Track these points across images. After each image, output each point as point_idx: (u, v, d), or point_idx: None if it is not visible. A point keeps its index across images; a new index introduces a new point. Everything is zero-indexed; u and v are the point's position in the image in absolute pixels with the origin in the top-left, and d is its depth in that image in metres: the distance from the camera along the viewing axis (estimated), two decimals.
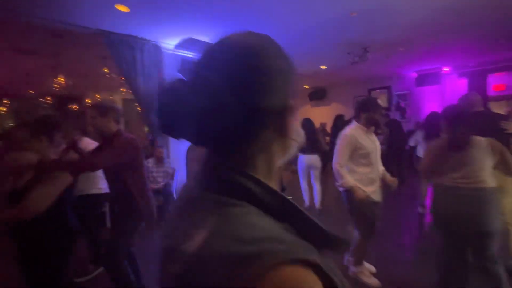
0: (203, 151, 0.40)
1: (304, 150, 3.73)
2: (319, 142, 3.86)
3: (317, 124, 5.09)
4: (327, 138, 6.50)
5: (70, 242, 1.58)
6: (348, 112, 8.06)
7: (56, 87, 4.81)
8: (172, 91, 0.35)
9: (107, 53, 3.60)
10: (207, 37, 3.90)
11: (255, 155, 0.37)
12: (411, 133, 5.31)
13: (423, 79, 7.00)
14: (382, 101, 8.40)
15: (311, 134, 3.73)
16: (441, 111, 1.79)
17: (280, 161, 0.40)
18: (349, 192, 1.94)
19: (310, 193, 4.01)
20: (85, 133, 2.86)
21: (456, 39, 4.55)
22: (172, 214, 0.42)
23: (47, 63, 4.61)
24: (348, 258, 2.28)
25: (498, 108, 7.23)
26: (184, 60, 4.21)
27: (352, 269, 2.21)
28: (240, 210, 0.32)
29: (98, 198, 2.49)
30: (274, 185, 0.39)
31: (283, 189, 1.92)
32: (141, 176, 1.82)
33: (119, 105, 4.80)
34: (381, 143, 5.31)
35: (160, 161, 3.74)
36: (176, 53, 4.27)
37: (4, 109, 6.99)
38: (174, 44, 4.13)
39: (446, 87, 7.20)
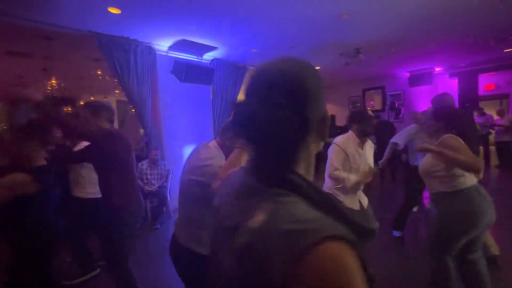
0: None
1: None
2: None
3: None
4: None
5: (52, 245, 1.56)
6: (343, 113, 8.14)
7: (49, 90, 4.77)
8: (246, 104, 0.44)
9: (100, 55, 3.59)
10: (199, 38, 3.91)
11: (300, 155, 0.46)
12: None
13: (415, 79, 7.10)
14: (376, 101, 8.49)
15: None
16: (440, 110, 1.74)
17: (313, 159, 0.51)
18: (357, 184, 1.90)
19: None
20: None
21: (447, 40, 4.63)
22: (225, 199, 0.52)
23: (39, 65, 4.58)
24: None
25: (489, 107, 7.38)
26: (177, 61, 4.21)
27: None
28: (291, 199, 0.41)
29: (85, 202, 2.36)
30: (311, 179, 0.49)
31: None
32: (129, 178, 1.77)
33: (113, 106, 4.77)
34: (374, 143, 5.33)
35: (154, 163, 3.73)
36: (169, 54, 4.27)
37: None
38: (167, 45, 4.13)
39: (438, 87, 7.30)
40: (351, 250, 0.35)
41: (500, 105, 7.02)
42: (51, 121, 1.52)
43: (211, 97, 4.97)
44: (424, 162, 1.76)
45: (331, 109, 8.94)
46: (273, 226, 0.37)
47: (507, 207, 3.80)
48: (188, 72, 4.12)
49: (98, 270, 2.51)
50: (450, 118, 1.65)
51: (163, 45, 4.11)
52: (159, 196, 3.70)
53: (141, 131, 5.98)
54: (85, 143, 2.06)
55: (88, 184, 2.34)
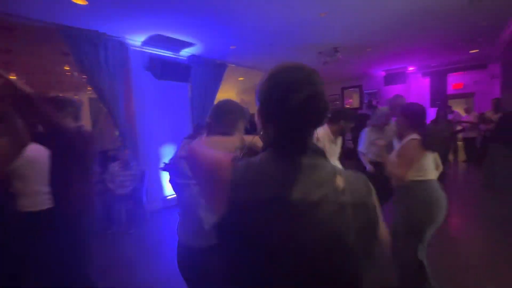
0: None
1: None
2: None
3: None
4: None
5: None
6: None
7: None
8: (305, 102, 0.57)
9: (68, 49, 3.35)
10: (175, 34, 3.77)
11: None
12: None
13: (390, 78, 7.35)
14: (354, 100, 8.72)
15: None
16: (407, 109, 1.79)
17: None
18: None
19: None
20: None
21: (420, 40, 4.81)
22: (277, 184, 0.56)
23: None
24: None
25: (457, 105, 7.81)
26: (152, 58, 4.04)
27: None
28: (331, 163, 0.63)
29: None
30: None
31: None
32: (86, 179, 1.65)
33: (84, 104, 4.50)
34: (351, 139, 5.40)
35: (126, 163, 3.55)
36: (144, 50, 4.09)
37: None
38: (141, 40, 3.95)
39: (411, 86, 7.62)
40: None
41: (467, 103, 7.46)
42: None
43: (189, 95, 4.84)
44: (392, 156, 1.83)
45: None
46: (355, 186, 0.60)
47: (470, 197, 4.04)
48: (163, 69, 3.97)
49: None
50: (414, 116, 1.72)
51: (137, 40, 3.92)
52: (133, 199, 3.54)
53: (117, 132, 5.71)
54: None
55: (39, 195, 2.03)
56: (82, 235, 1.62)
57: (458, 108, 7.06)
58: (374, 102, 8.17)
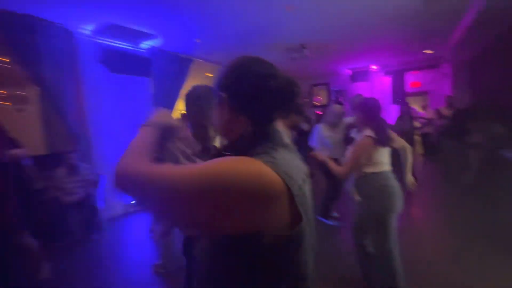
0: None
1: None
2: None
3: None
4: None
5: None
6: None
7: None
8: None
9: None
10: (133, 24, 3.45)
11: None
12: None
13: (356, 76, 7.62)
14: (322, 97, 8.92)
15: None
16: (362, 104, 1.85)
17: None
18: None
19: None
20: None
21: (380, 40, 5.00)
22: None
23: None
24: None
25: (415, 103, 8.35)
26: (106, 49, 3.66)
27: None
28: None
29: None
30: None
31: None
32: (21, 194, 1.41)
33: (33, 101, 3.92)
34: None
35: (73, 168, 3.15)
36: (98, 41, 3.68)
37: None
38: (92, 30, 3.54)
39: (374, 84, 7.98)
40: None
41: (423, 100, 8.02)
42: None
43: (152, 91, 4.50)
44: (349, 150, 1.88)
45: None
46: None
47: (427, 188, 4.31)
48: (120, 62, 3.62)
49: None
50: (369, 110, 1.79)
51: (88, 29, 3.51)
52: (87, 206, 3.18)
53: None
54: None
55: None
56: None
57: (415, 105, 7.54)
58: (340, 99, 8.44)
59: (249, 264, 0.52)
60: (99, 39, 3.68)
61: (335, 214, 3.32)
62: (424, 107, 7.07)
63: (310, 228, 0.56)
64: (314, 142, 3.08)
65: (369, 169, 1.76)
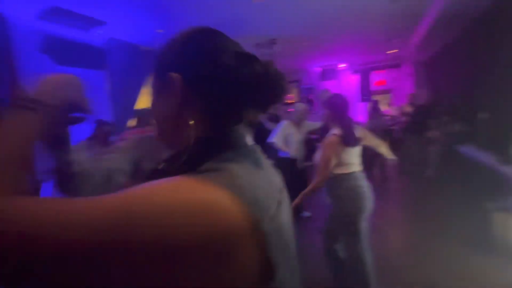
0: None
1: None
2: None
3: None
4: None
5: None
6: None
7: None
8: None
9: None
10: (81, 8, 3.05)
11: None
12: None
13: (325, 74, 7.73)
14: (294, 94, 8.95)
15: None
16: (329, 101, 1.80)
17: None
18: None
19: None
20: None
21: (347, 39, 5.08)
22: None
23: None
24: None
25: (381, 101, 8.71)
26: (50, 37, 3.20)
27: None
28: None
29: None
30: None
31: None
32: None
33: None
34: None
35: None
36: (37, 27, 3.20)
37: None
38: (32, 13, 3.07)
39: (343, 82, 8.18)
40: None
41: (388, 98, 8.42)
42: None
43: (108, 86, 4.08)
44: (317, 155, 1.81)
45: None
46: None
47: (391, 185, 4.47)
48: (66, 52, 3.19)
49: None
50: (336, 107, 1.74)
51: (26, 13, 3.03)
52: None
53: None
54: None
55: None
56: None
57: (381, 103, 7.88)
58: (310, 97, 8.54)
59: None
60: (40, 25, 3.20)
61: (307, 213, 3.28)
62: (388, 105, 7.40)
63: (291, 275, 0.38)
64: (275, 138, 2.97)
65: (339, 170, 1.70)
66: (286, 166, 2.99)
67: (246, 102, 0.42)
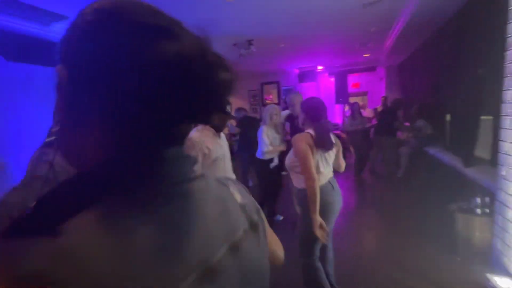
0: None
1: None
2: None
3: None
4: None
5: None
6: (244, 104, 8.17)
7: None
8: None
9: None
10: (41, 1, 2.79)
11: None
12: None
13: (303, 76, 7.82)
14: (273, 95, 8.96)
15: None
16: (304, 104, 1.77)
17: None
18: None
19: None
20: None
21: (324, 41, 5.15)
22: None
23: None
24: None
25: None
26: (2, 32, 2.90)
27: None
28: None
29: None
30: None
31: None
32: None
33: None
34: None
35: None
36: None
37: None
38: None
39: (320, 84, 8.32)
40: None
41: (363, 100, 8.71)
42: None
43: None
44: (288, 156, 1.76)
45: (232, 101, 8.86)
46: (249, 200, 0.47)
47: (359, 183, 4.59)
48: (21, 48, 2.91)
49: None
50: (311, 109, 1.71)
51: None
52: None
53: None
54: None
55: None
56: None
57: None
58: (287, 99, 8.60)
59: None
60: None
61: (279, 217, 3.25)
62: (363, 107, 7.64)
63: None
64: (266, 148, 2.83)
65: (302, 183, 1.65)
66: (262, 168, 2.94)
67: (171, 110, 0.28)
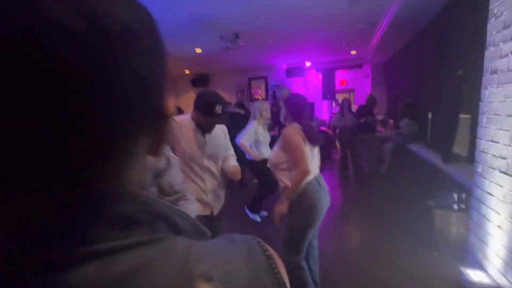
0: None
1: None
2: None
3: None
4: None
5: None
6: (231, 99, 8.07)
7: None
8: None
9: None
10: None
11: None
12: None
13: (291, 71, 7.79)
14: (262, 90, 8.89)
15: None
16: (288, 100, 1.74)
17: None
18: None
19: None
20: None
21: (312, 38, 5.13)
22: None
23: None
24: None
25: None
26: None
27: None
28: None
29: None
30: None
31: None
32: None
33: None
34: None
35: None
36: None
37: None
38: None
39: (308, 80, 8.34)
40: None
41: (350, 97, 8.81)
42: None
43: None
44: (272, 154, 1.73)
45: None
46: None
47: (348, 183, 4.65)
48: None
49: None
50: (295, 106, 1.69)
51: None
52: None
53: None
54: None
55: None
56: None
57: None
58: (277, 94, 8.57)
59: None
60: None
61: (264, 212, 3.24)
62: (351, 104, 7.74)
63: None
64: (243, 139, 2.78)
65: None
66: (257, 166, 2.88)
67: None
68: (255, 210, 3.12)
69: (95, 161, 0.21)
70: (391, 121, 5.76)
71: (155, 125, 0.25)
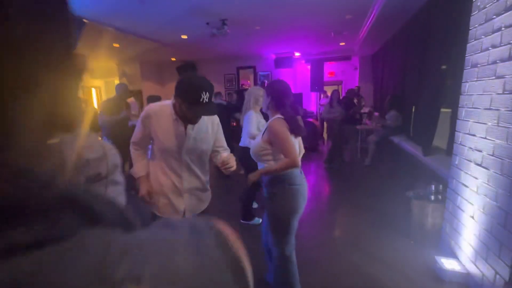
0: None
1: None
2: None
3: None
4: None
5: None
6: (219, 89, 7.92)
7: None
8: None
9: None
10: None
11: None
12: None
13: (280, 62, 7.69)
14: (251, 80, 8.76)
15: None
16: (269, 86, 1.69)
17: None
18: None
19: None
20: None
21: (300, 28, 5.04)
22: None
23: None
24: None
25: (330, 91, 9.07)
26: None
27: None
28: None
29: None
30: None
31: None
32: None
33: None
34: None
35: None
36: None
37: None
38: None
39: (297, 71, 8.28)
40: None
41: (338, 89, 8.84)
42: None
43: None
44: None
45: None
46: None
47: (335, 174, 4.72)
48: None
49: None
50: (276, 92, 1.63)
51: None
52: None
53: None
54: None
55: None
56: None
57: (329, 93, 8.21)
58: (266, 83, 8.48)
59: None
60: None
61: (254, 204, 3.17)
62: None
63: None
64: (251, 128, 2.56)
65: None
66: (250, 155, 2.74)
67: None
68: (250, 216, 2.95)
69: None
70: (377, 113, 5.83)
71: (61, 64, 0.20)
